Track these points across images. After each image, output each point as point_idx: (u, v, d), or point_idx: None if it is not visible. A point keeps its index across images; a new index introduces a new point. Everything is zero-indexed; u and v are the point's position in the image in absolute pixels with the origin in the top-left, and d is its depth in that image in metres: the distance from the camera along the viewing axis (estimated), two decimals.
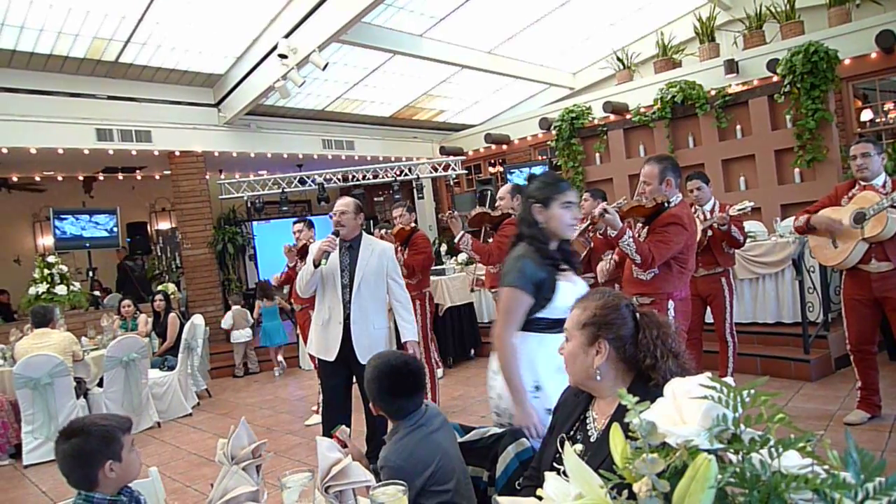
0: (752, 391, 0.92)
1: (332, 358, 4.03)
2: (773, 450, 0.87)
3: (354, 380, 4.14)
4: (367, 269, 4.01)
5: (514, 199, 4.66)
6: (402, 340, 4.08)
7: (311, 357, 5.17)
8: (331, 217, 4.07)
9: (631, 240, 3.44)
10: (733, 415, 0.91)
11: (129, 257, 11.86)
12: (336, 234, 3.98)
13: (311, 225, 6.02)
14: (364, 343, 3.96)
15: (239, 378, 8.68)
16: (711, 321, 4.94)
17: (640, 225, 3.77)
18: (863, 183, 4.03)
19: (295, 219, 6.46)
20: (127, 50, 8.23)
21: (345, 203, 4.03)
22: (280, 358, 8.70)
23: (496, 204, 4.81)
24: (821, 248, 4.20)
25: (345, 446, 2.16)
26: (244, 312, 8.85)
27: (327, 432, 3.76)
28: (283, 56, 7.64)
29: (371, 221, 14.07)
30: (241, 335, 8.66)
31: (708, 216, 4.78)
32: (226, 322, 8.72)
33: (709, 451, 0.89)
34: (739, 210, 4.64)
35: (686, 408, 0.97)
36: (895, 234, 3.83)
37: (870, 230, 3.86)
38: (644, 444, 0.94)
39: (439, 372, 7.05)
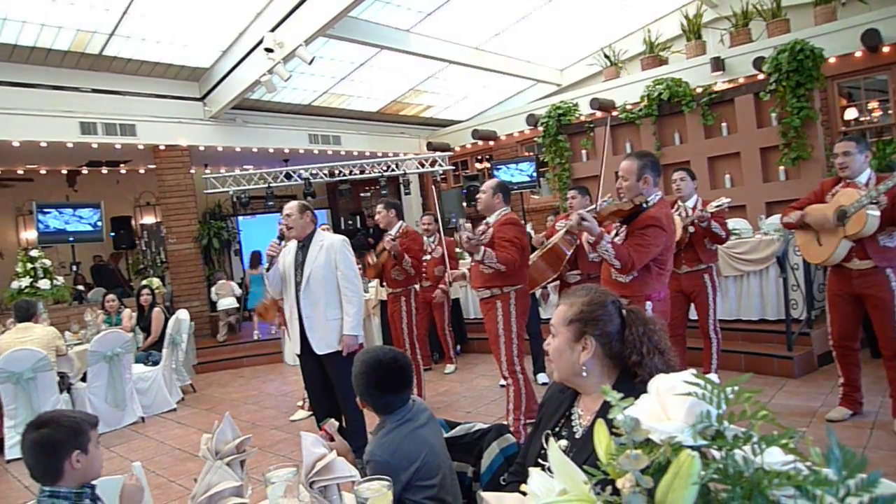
0: (736, 388, 0.93)
1: (297, 351, 4.35)
2: (756, 446, 0.87)
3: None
4: (315, 264, 4.22)
5: (494, 197, 4.44)
6: (342, 332, 4.21)
7: None
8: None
9: (609, 245, 3.37)
10: (717, 411, 0.92)
11: (101, 261, 11.82)
12: (281, 237, 4.24)
13: None
14: (318, 334, 4.21)
15: (224, 345, 9.35)
16: (695, 318, 4.97)
17: (618, 224, 3.73)
18: (847, 180, 4.06)
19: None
20: (111, 42, 8.15)
21: (289, 207, 4.30)
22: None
23: (475, 196, 4.58)
24: (807, 245, 4.23)
25: (332, 440, 2.16)
26: (227, 284, 9.65)
27: (318, 421, 4.00)
28: (269, 50, 7.60)
29: (357, 217, 14.02)
30: (224, 303, 9.49)
31: (690, 213, 4.80)
32: (213, 295, 9.62)
33: (692, 448, 0.89)
34: (716, 206, 4.66)
35: (670, 404, 0.97)
36: (875, 233, 3.86)
37: (850, 228, 3.88)
38: (628, 440, 0.94)
39: (450, 367, 7.14)
